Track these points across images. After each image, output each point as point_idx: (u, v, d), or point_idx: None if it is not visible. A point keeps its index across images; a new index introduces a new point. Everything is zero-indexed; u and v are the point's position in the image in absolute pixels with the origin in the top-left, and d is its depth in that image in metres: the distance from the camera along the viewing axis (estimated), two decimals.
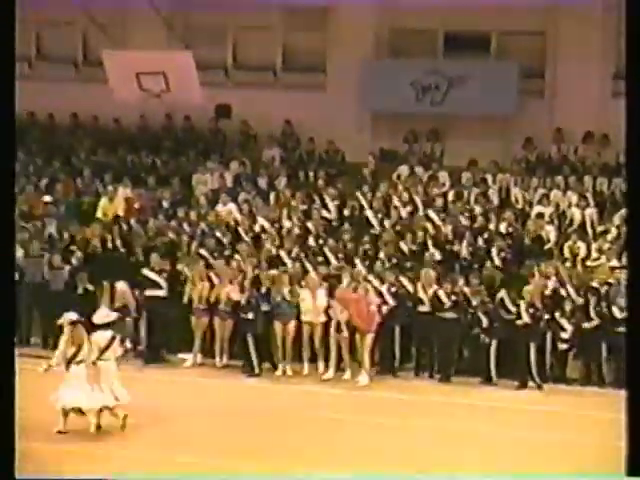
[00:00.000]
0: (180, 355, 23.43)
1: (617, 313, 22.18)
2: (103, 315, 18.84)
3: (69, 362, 17.69)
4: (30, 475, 12.01)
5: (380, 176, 28.19)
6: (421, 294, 22.89)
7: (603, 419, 18.81)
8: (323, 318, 22.58)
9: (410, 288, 23.08)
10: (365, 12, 29.75)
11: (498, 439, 17.91)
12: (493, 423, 19.16)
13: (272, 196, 27.67)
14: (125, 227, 26.57)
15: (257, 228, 26.31)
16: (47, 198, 28.40)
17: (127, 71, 28.15)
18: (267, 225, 26.24)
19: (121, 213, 27.53)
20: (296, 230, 25.80)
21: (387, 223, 26.00)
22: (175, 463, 16.14)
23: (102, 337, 18.13)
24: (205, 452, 16.86)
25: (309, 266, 23.93)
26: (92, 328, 18.21)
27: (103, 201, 27.98)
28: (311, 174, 29.04)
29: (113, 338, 18.31)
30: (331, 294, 22.62)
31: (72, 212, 28.01)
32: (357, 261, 24.08)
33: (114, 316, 18.96)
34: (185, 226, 26.14)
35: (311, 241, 25.34)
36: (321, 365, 22.77)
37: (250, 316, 22.70)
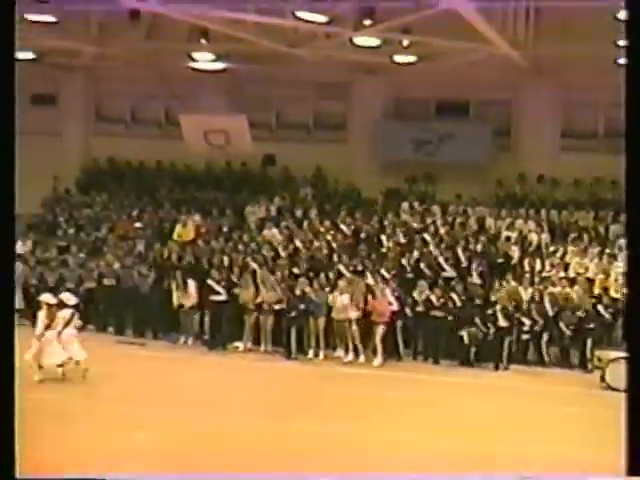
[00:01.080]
0: (235, 343, 23.23)
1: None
2: (67, 298, 19.82)
3: (45, 329, 18.86)
4: (30, 475, 10.87)
5: (387, 208, 28.16)
6: (417, 298, 22.80)
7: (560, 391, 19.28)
8: (346, 315, 22.36)
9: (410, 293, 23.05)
10: (376, 86, 29.83)
11: (475, 406, 17.77)
12: (471, 395, 19.03)
13: (305, 223, 27.62)
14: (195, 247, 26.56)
15: (293, 247, 26.20)
16: (138, 224, 28.53)
17: (197, 130, 28.32)
18: (300, 245, 26.19)
19: (192, 236, 27.54)
20: (324, 250, 25.71)
21: (392, 244, 25.87)
22: (229, 421, 15.97)
23: (66, 313, 19.25)
24: (253, 413, 16.73)
25: (333, 275, 23.84)
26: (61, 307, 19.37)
27: (178, 227, 27.99)
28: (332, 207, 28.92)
29: (73, 314, 19.47)
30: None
31: (155, 235, 28.03)
32: (368, 272, 23.95)
33: (74, 301, 19.92)
34: (240, 246, 26.12)
35: (335, 258, 25.22)
36: (342, 351, 22.57)
37: (293, 314, 22.58)
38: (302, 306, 22.67)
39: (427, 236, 26.12)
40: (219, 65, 27.29)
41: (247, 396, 18.58)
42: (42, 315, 19.04)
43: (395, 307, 22.42)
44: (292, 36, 24.00)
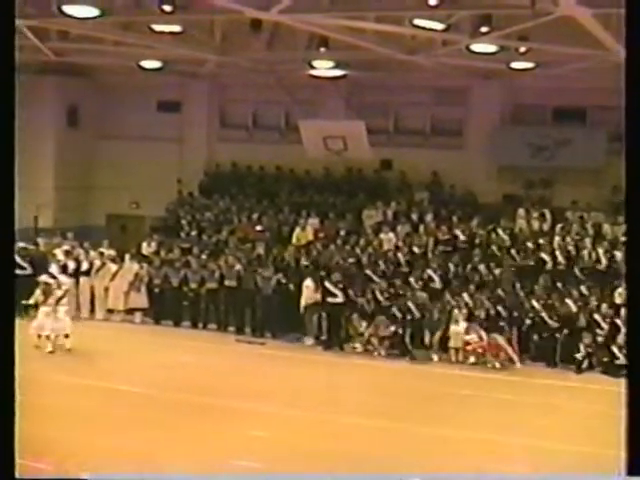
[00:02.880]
0: (352, 344, 23.18)
1: None
2: (63, 279, 22.92)
3: (41, 304, 21.67)
4: (30, 475, 11.12)
5: (504, 214, 27.88)
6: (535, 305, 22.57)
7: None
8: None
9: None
10: (493, 92, 29.53)
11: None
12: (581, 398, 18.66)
13: (421, 228, 27.52)
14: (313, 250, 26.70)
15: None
16: (258, 227, 28.77)
17: (316, 135, 28.45)
18: (417, 249, 26.15)
19: (310, 239, 27.67)
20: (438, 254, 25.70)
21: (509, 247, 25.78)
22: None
23: (60, 292, 21.82)
24: (366, 413, 16.71)
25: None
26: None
27: (297, 230, 28.18)
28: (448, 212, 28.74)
29: (66, 292, 22.22)
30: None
31: (275, 238, 28.25)
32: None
33: (68, 282, 23.33)
34: (357, 250, 26.21)
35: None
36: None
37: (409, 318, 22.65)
38: (417, 314, 22.72)
39: (542, 240, 25.85)
40: (338, 72, 27.37)
41: (362, 396, 18.60)
42: (37, 293, 21.96)
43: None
44: (410, 43, 23.93)
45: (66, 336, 21.58)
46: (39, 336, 21.51)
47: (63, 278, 23.19)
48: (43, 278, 22.51)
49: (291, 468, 14.19)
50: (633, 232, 8.10)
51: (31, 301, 22.15)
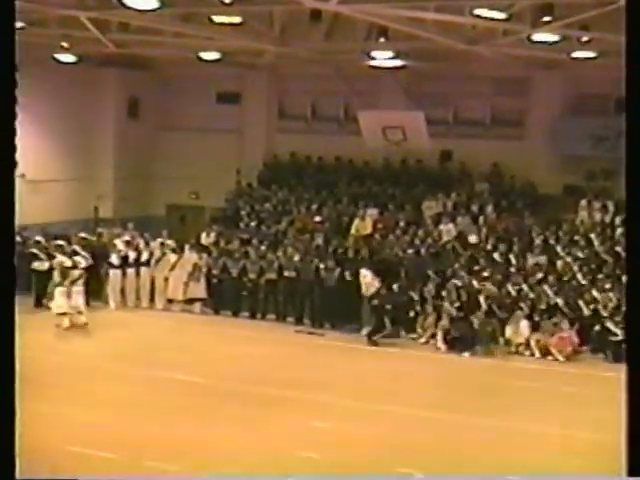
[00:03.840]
0: (412, 335, 23.13)
1: None
2: (79, 261, 23.98)
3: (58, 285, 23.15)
4: (30, 475, 11.06)
5: (564, 205, 27.63)
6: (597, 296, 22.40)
7: None
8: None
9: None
10: (555, 82, 29.23)
11: None
12: None
13: (481, 219, 27.37)
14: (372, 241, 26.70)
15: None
16: (317, 218, 28.80)
17: (375, 126, 28.39)
18: (474, 240, 26.06)
19: (369, 230, 27.65)
20: (501, 247, 25.48)
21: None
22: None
23: (77, 273, 23.42)
24: (425, 405, 16.68)
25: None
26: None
27: (357, 221, 28.15)
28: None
29: (81, 275, 23.57)
30: None
31: (334, 229, 28.26)
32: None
33: (84, 264, 24.17)
34: (416, 241, 26.18)
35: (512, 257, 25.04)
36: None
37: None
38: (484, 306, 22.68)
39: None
40: (397, 62, 27.28)
41: (422, 388, 18.56)
42: (56, 274, 23.42)
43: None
44: (470, 33, 23.76)
45: (79, 312, 23.21)
46: (58, 314, 23.03)
47: (79, 259, 24.20)
48: (60, 260, 23.86)
49: (349, 459, 14.22)
50: (633, 231, 7.98)
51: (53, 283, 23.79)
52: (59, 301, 23.20)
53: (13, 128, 7.54)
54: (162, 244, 26.37)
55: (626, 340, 8.19)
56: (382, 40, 24.16)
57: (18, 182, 32.91)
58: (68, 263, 23.79)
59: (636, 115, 7.98)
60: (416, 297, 23.51)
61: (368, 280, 23.62)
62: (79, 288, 23.49)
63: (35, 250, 25.34)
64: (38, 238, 25.94)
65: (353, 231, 27.87)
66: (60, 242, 25.89)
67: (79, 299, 23.37)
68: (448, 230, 26.74)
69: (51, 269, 24.95)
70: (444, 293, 23.17)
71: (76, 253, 25.51)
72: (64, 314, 23.10)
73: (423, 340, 22.78)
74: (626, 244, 8.13)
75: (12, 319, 8.09)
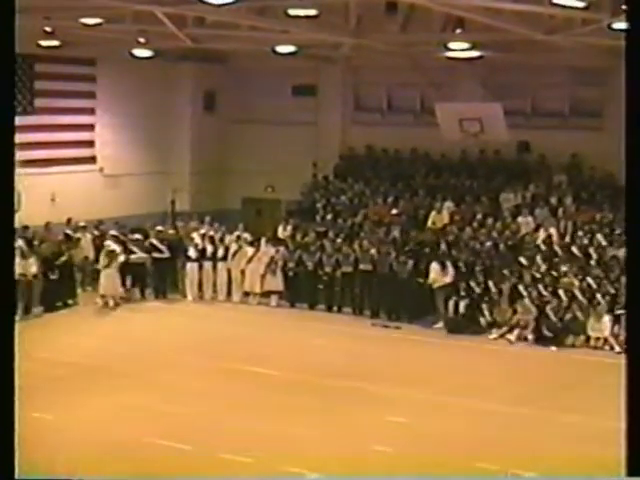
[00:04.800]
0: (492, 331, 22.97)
1: None
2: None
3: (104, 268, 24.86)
4: (30, 475, 11.04)
5: None
6: None
7: None
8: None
9: None
10: None
11: None
12: None
13: (560, 211, 27.09)
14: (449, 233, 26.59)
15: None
16: (394, 211, 28.73)
17: (452, 118, 28.23)
18: (554, 232, 25.78)
19: (446, 222, 27.54)
20: (580, 240, 25.23)
21: None
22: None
23: (122, 258, 25.12)
24: (502, 398, 16.57)
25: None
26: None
27: (433, 214, 28.07)
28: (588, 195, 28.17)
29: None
30: None
31: (411, 222, 28.19)
32: None
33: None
34: (493, 233, 26.02)
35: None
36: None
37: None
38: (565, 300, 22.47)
39: None
40: (474, 53, 27.07)
41: (499, 382, 18.44)
42: (102, 258, 25.06)
43: None
44: (548, 23, 23.47)
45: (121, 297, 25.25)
46: (102, 296, 24.82)
47: (115, 247, 25.49)
48: (107, 244, 25.53)
49: (424, 454, 14.20)
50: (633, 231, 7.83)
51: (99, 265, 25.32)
52: (105, 283, 24.80)
53: (12, 128, 7.52)
54: (238, 237, 26.58)
55: (626, 340, 8.09)
56: (459, 31, 24.02)
57: (96, 176, 33.52)
58: (113, 247, 25.19)
59: (636, 115, 7.87)
60: (493, 290, 23.35)
61: (436, 273, 23.61)
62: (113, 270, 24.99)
63: (111, 243, 25.68)
64: (114, 232, 26.29)
65: (430, 224, 27.79)
66: (137, 235, 26.26)
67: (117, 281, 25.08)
68: (526, 223, 26.50)
69: (126, 263, 25.38)
70: (521, 287, 22.97)
71: (153, 246, 25.88)
72: (104, 296, 24.83)
73: (499, 334, 22.59)
74: (626, 244, 8.00)
75: (11, 318, 8.06)
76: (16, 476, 7.42)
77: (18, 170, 26.72)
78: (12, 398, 7.44)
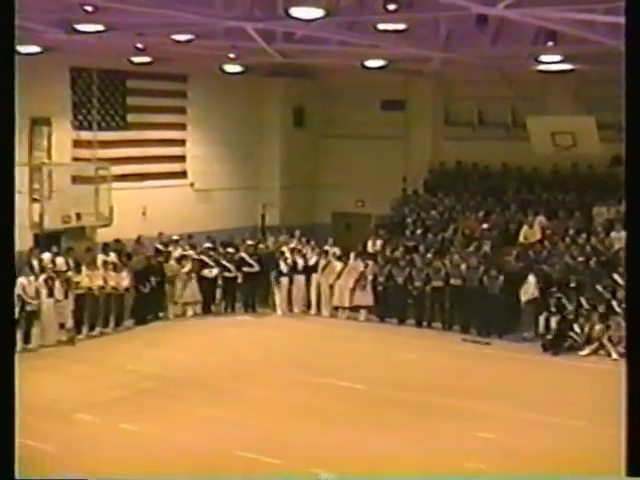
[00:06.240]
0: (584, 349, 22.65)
1: None
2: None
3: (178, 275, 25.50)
4: (30, 475, 10.92)
5: None
6: None
7: None
8: None
9: None
10: None
11: None
12: None
13: None
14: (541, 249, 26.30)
15: None
16: (484, 225, 28.56)
17: (544, 131, 28.05)
18: None
19: (538, 237, 27.26)
20: None
21: None
22: None
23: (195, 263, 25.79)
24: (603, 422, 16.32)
25: None
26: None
27: (525, 228, 27.83)
28: None
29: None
30: None
31: (502, 236, 27.98)
32: None
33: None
34: (587, 248, 25.66)
35: None
36: None
37: None
38: None
39: None
40: (566, 66, 26.79)
41: (590, 400, 18.11)
42: (172, 263, 25.49)
43: None
44: None
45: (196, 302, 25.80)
46: (183, 304, 25.62)
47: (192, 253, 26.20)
48: (180, 252, 26.22)
49: (517, 471, 14.04)
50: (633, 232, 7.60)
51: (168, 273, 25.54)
52: (181, 292, 25.44)
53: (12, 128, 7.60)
54: (327, 252, 26.65)
55: (627, 339, 7.86)
56: (550, 44, 23.79)
57: (187, 191, 33.86)
58: (190, 252, 26.22)
59: (636, 115, 7.66)
60: (586, 306, 23.01)
61: (531, 286, 23.40)
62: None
63: (204, 257, 25.95)
64: (208, 245, 26.60)
65: (521, 238, 27.54)
66: (229, 249, 26.52)
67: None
68: (620, 238, 26.06)
69: (217, 277, 25.70)
70: (614, 303, 22.59)
71: (243, 260, 26.08)
72: (186, 303, 25.65)
73: (591, 350, 22.24)
74: (626, 244, 7.80)
75: (11, 315, 8.09)
76: (16, 476, 7.48)
77: (111, 185, 27.37)
78: (12, 398, 7.45)
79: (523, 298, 23.57)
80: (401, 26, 21.59)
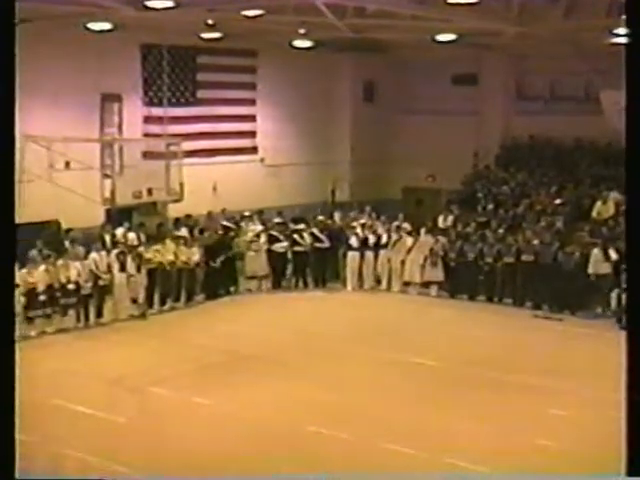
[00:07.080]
0: None
1: None
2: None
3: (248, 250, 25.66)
4: (30, 475, 10.88)
5: None
6: None
7: None
8: None
9: None
10: None
11: None
12: None
13: None
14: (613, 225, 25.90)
15: None
16: (558, 201, 28.25)
17: (617, 105, 27.46)
18: None
19: (612, 213, 26.87)
20: None
21: None
22: None
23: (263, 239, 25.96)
24: None
25: None
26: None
27: (599, 204, 27.44)
28: None
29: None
30: None
31: (575, 211, 27.63)
32: None
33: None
34: None
35: None
36: None
37: None
38: None
39: None
40: None
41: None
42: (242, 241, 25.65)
43: None
44: None
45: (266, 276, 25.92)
46: (251, 277, 25.73)
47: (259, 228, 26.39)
48: (251, 227, 26.52)
49: (588, 450, 13.89)
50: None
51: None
52: (251, 267, 25.61)
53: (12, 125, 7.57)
54: (398, 227, 26.58)
55: (627, 337, 7.70)
56: (624, 16, 23.39)
57: (257, 166, 33.99)
58: (258, 227, 26.29)
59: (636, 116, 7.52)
60: None
61: (598, 261, 23.11)
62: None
63: (275, 232, 26.03)
64: (279, 220, 26.68)
65: (594, 214, 27.17)
66: (300, 225, 26.57)
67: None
68: None
69: (287, 252, 25.78)
70: None
71: (314, 235, 26.12)
72: (254, 277, 25.75)
73: None
74: (626, 241, 7.63)
75: (11, 313, 8.08)
76: (16, 476, 7.47)
77: (182, 160, 27.48)
78: (12, 398, 7.46)
79: (594, 273, 23.26)
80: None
